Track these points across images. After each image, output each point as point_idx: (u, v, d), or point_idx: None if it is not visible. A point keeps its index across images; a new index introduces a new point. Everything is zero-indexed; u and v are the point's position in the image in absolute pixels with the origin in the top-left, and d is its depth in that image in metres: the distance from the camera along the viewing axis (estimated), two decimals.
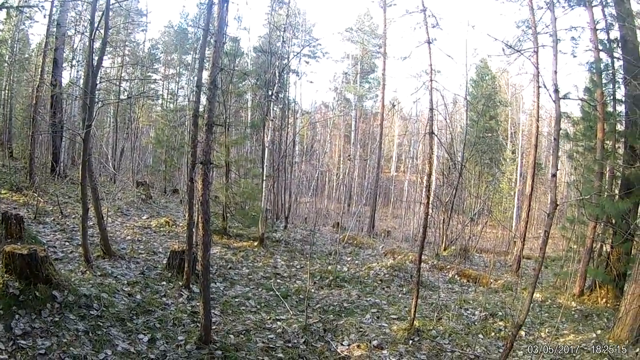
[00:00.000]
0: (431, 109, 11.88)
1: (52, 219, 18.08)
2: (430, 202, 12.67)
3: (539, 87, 21.36)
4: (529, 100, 52.49)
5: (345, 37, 62.94)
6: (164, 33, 58.26)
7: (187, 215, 13.48)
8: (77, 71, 40.42)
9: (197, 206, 12.49)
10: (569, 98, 18.30)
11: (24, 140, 29.61)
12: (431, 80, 11.81)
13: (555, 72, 10.11)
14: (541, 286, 17.25)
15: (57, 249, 14.28)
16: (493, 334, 12.19)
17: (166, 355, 8.79)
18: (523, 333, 12.12)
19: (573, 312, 15.11)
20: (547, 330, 12.85)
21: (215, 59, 9.44)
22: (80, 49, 39.06)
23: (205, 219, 9.22)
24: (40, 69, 26.31)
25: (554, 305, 15.67)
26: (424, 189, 14.11)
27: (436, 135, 12.76)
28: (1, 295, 8.41)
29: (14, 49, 35.50)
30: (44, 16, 27.00)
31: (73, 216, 18.79)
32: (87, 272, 12.33)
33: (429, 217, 13.84)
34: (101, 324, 9.14)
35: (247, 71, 34.27)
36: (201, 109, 13.56)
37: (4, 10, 23.44)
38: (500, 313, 13.54)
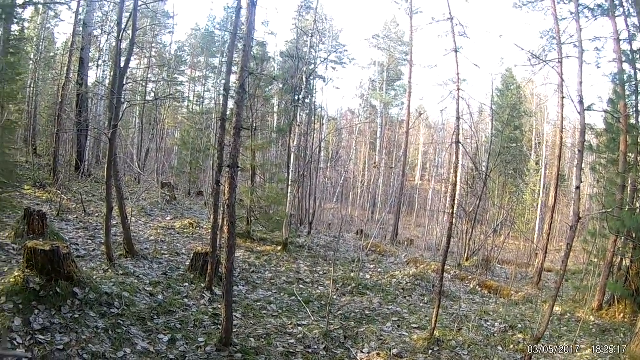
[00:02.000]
0: (458, 118, 11.79)
1: (75, 216, 18.13)
2: (454, 211, 12.56)
3: (563, 97, 21.23)
4: (553, 111, 52.19)
5: (372, 44, 62.84)
6: (191, 35, 58.50)
7: (211, 217, 13.49)
8: (103, 71, 40.67)
9: (222, 209, 12.49)
10: (594, 110, 18.09)
11: (48, 138, 29.80)
12: (458, 89, 11.70)
13: (581, 83, 10.02)
14: (561, 299, 17.17)
15: (80, 247, 14.31)
16: (512, 346, 12.06)
17: (185, 356, 8.76)
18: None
19: (591, 327, 14.98)
20: (565, 344, 12.71)
21: (244, 62, 9.40)
22: (106, 49, 39.32)
23: (231, 222, 9.19)
24: (66, 68, 26.44)
25: (573, 319, 15.52)
26: (449, 198, 14.02)
27: (462, 145, 12.66)
28: (21, 290, 8.41)
29: (40, 47, 35.71)
30: (72, 15, 27.23)
31: (96, 215, 18.84)
32: (109, 270, 12.34)
33: (453, 227, 13.72)
34: (121, 323, 9.13)
35: (275, 76, 34.31)
36: (228, 113, 13.53)
37: (31, 7, 23.53)
38: (520, 325, 13.45)
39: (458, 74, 11.82)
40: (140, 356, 8.33)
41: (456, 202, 15.03)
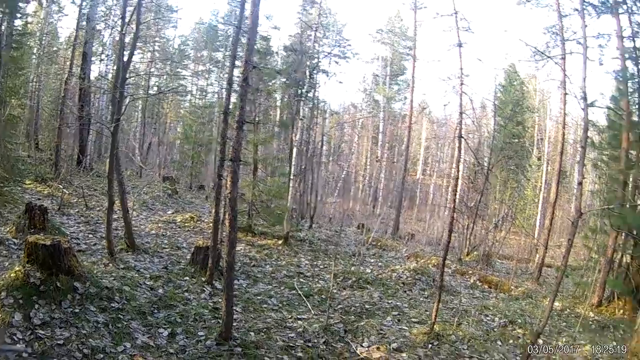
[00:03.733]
0: (461, 113, 11.81)
1: (77, 210, 18.18)
2: (456, 206, 12.59)
3: (565, 93, 21.24)
4: (556, 107, 52.13)
5: (376, 39, 62.69)
6: (194, 29, 58.50)
7: (213, 211, 13.51)
8: (106, 65, 40.69)
9: (224, 203, 12.53)
10: (596, 106, 18.17)
11: (50, 132, 29.80)
12: (462, 84, 11.72)
13: (584, 79, 10.05)
14: (561, 295, 17.16)
15: (81, 241, 14.37)
16: (512, 341, 12.09)
17: (185, 350, 8.79)
18: (541, 342, 12.00)
19: (590, 323, 14.95)
20: (564, 339, 12.73)
21: (248, 56, 9.43)
22: (109, 44, 39.34)
23: (233, 215, 9.23)
24: (69, 62, 26.49)
25: (572, 315, 15.50)
26: (450, 193, 14.06)
27: (465, 139, 12.68)
28: (22, 285, 8.45)
29: (43, 42, 35.73)
30: (75, 10, 27.30)
31: (97, 209, 18.89)
32: (110, 264, 12.41)
33: (454, 221, 13.75)
34: (122, 317, 9.19)
35: (279, 70, 34.32)
36: (231, 107, 13.57)
37: (34, 2, 23.60)
38: (519, 320, 13.47)
39: (462, 68, 11.84)
40: (140, 350, 8.36)
41: (458, 196, 15.05)
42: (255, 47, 16.84)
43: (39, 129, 33.57)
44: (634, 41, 17.91)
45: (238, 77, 11.59)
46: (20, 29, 20.94)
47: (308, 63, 26.19)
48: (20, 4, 18.48)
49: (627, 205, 16.09)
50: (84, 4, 26.97)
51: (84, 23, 27.19)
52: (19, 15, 18.96)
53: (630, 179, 17.14)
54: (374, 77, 65.75)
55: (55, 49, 40.57)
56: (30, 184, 20.56)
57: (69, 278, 9.08)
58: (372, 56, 68.25)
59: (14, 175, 18.35)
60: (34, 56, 33.10)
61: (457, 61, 11.83)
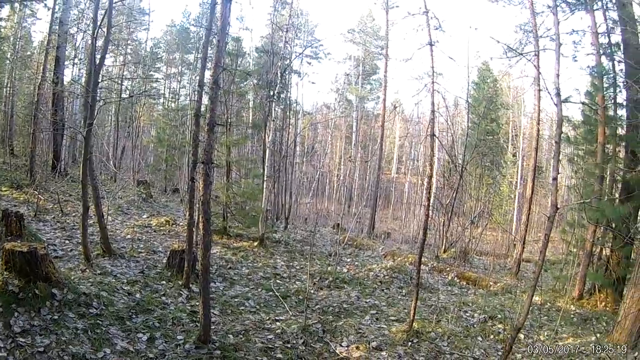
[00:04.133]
0: (433, 111, 11.89)
1: (53, 217, 18.11)
2: (430, 204, 12.68)
3: (539, 90, 21.41)
4: (530, 103, 52.54)
5: (348, 39, 62.95)
6: (166, 32, 58.50)
7: (187, 214, 13.52)
8: (79, 69, 40.51)
9: (197, 206, 12.52)
10: (571, 102, 18.32)
11: (25, 138, 29.68)
12: (433, 83, 11.80)
13: (558, 75, 10.13)
14: (541, 289, 17.29)
15: (57, 247, 14.30)
16: (492, 336, 12.18)
17: (165, 355, 8.80)
18: (522, 336, 12.08)
19: (572, 316, 15.08)
20: (546, 333, 12.83)
21: (217, 58, 9.46)
22: (82, 47, 39.17)
23: (206, 218, 9.24)
24: (42, 67, 26.37)
25: (553, 309, 15.61)
26: (425, 191, 14.10)
27: (437, 138, 12.77)
28: (1, 293, 8.41)
29: (17, 46, 35.55)
30: (48, 14, 27.18)
31: (73, 214, 18.82)
32: (87, 270, 12.36)
33: (429, 219, 13.82)
34: (100, 323, 9.17)
35: (250, 71, 34.26)
36: (203, 109, 13.56)
37: (7, 6, 23.47)
38: (499, 316, 13.51)
39: (433, 67, 11.93)
40: (120, 356, 8.36)
41: (432, 194, 15.11)
42: (227, 48, 16.89)
43: (13, 134, 33.36)
44: (609, 37, 18.11)
45: (209, 79, 11.63)
46: None
47: (280, 64, 26.19)
48: None
49: (605, 199, 16.24)
50: (57, 7, 26.85)
51: (57, 27, 27.08)
52: None
53: (607, 173, 17.33)
54: (346, 77, 66.03)
55: (29, 53, 40.46)
56: (6, 190, 20.45)
57: (47, 285, 9.06)
58: (344, 56, 68.74)
59: None
60: (8, 61, 32.92)
61: (429, 60, 11.93)
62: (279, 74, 25.73)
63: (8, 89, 33.26)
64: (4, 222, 13.12)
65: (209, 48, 14.30)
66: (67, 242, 15.16)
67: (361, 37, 63.41)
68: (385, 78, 38.35)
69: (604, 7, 18.18)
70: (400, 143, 71.21)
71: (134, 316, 10.09)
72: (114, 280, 12.04)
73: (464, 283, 18.83)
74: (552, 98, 10.21)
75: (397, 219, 50.52)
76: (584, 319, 14.84)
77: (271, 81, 25.42)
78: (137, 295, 11.39)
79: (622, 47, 17.05)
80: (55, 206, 19.22)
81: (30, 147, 23.87)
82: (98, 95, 15.02)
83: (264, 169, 22.43)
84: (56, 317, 8.67)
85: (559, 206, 9.51)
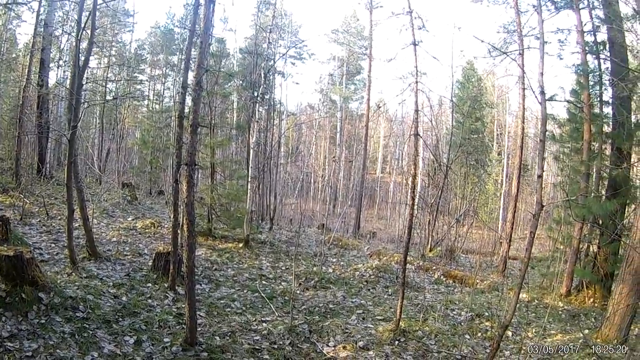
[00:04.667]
0: (416, 111, 11.94)
1: (38, 220, 18.07)
2: (415, 203, 12.72)
3: (524, 88, 21.52)
4: (515, 101, 52.79)
5: (332, 39, 62.99)
6: (151, 34, 58.27)
7: (172, 216, 13.49)
8: (64, 71, 40.39)
9: (182, 207, 12.53)
10: (556, 100, 18.38)
11: (10, 141, 29.52)
12: (417, 82, 11.84)
13: (542, 74, 10.20)
14: (528, 286, 17.34)
15: (43, 251, 14.29)
16: (480, 334, 12.23)
17: (152, 357, 8.81)
18: (510, 333, 12.14)
19: (560, 312, 15.12)
20: (534, 330, 12.89)
21: (200, 60, 9.50)
22: (67, 49, 39.09)
23: (190, 220, 9.27)
24: (27, 69, 26.24)
25: (541, 306, 15.64)
26: (409, 191, 14.19)
27: (421, 137, 12.87)
28: None
29: (1, 49, 35.41)
30: (33, 16, 27.12)
31: (59, 218, 18.77)
32: (73, 273, 12.34)
33: (415, 218, 13.89)
34: (87, 326, 9.18)
35: (233, 72, 34.26)
36: (186, 110, 13.57)
37: None
38: (486, 313, 13.53)
39: (416, 66, 11.95)
40: (107, 359, 8.40)
41: (417, 193, 15.20)
42: (210, 50, 16.91)
43: None
44: (595, 35, 18.20)
45: (192, 80, 11.66)
46: None
47: (264, 65, 26.21)
48: None
49: (592, 196, 16.34)
50: (42, 9, 26.78)
51: (42, 29, 27.00)
52: None
53: (594, 170, 17.45)
54: (330, 77, 66.10)
55: (14, 56, 40.23)
56: None
57: (34, 289, 9.08)
58: (328, 56, 68.81)
59: None
60: None
61: (412, 60, 11.98)
62: (262, 75, 25.74)
63: None
64: None
65: (193, 49, 14.32)
66: (53, 245, 15.15)
67: (345, 38, 63.49)
68: (369, 78, 38.52)
69: (590, 5, 18.26)
70: (385, 143, 71.44)
71: (120, 319, 10.10)
72: (100, 284, 12.04)
73: (451, 281, 18.90)
74: (536, 97, 10.26)
75: (383, 219, 50.72)
76: (572, 315, 14.88)
77: (255, 82, 25.47)
78: (124, 298, 11.40)
79: (607, 45, 17.15)
80: (41, 210, 19.18)
81: (16, 150, 23.77)
82: (82, 97, 15.03)
83: (248, 170, 22.45)
84: (43, 321, 8.69)
85: (544, 204, 9.56)
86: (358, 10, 65.66)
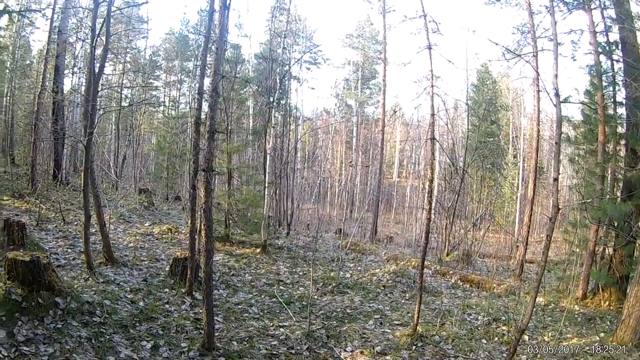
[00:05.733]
0: (432, 115, 11.86)
1: (54, 225, 18.07)
2: (432, 207, 12.65)
3: (539, 90, 21.43)
4: (530, 104, 52.46)
5: (346, 44, 63.01)
6: (165, 40, 58.41)
7: (189, 222, 13.46)
8: (79, 78, 40.57)
9: (199, 213, 12.49)
10: (570, 102, 18.26)
11: (25, 147, 29.63)
12: (432, 86, 11.77)
13: (556, 75, 10.10)
14: (544, 290, 17.25)
15: (60, 256, 14.27)
16: (496, 338, 12.15)
17: None
18: (526, 337, 12.05)
19: (576, 316, 15.01)
20: (550, 334, 12.79)
21: (216, 66, 9.45)
22: (81, 56, 39.22)
23: (207, 226, 9.22)
24: (41, 76, 26.31)
25: (557, 309, 15.55)
26: (426, 195, 14.10)
27: (437, 141, 12.78)
28: (3, 302, 8.41)
29: (16, 56, 35.54)
30: (46, 23, 27.13)
31: (75, 223, 18.77)
32: (90, 279, 12.32)
33: (431, 222, 13.79)
34: (104, 331, 9.14)
35: (249, 78, 34.31)
36: (203, 116, 13.52)
37: (6, 15, 23.42)
38: (503, 318, 13.48)
39: (432, 70, 11.88)
40: None
41: (433, 198, 15.12)
42: (225, 55, 16.85)
43: (14, 143, 33.37)
44: (607, 35, 18.05)
45: (208, 86, 11.61)
46: None
47: (279, 70, 26.20)
48: None
49: (607, 198, 16.20)
50: (55, 16, 26.82)
51: (56, 36, 27.06)
52: None
53: (608, 172, 17.30)
54: (345, 82, 66.22)
55: (28, 62, 40.43)
56: (7, 199, 20.41)
57: (50, 294, 9.05)
58: (343, 61, 68.91)
59: None
60: (7, 70, 32.90)
61: (427, 63, 11.90)
62: (278, 80, 25.74)
63: (8, 98, 33.26)
64: (6, 231, 13.08)
65: (208, 55, 14.28)
66: (69, 250, 15.13)
67: (359, 42, 63.49)
68: (384, 82, 38.47)
69: (602, 5, 18.11)
70: (401, 147, 71.36)
71: (137, 324, 10.07)
72: (117, 289, 12.01)
73: (467, 286, 18.79)
74: (551, 99, 10.17)
75: (399, 223, 50.52)
76: (588, 318, 14.78)
77: (270, 87, 25.41)
78: (141, 304, 11.36)
79: (620, 45, 17.02)
80: (57, 215, 19.18)
81: (31, 156, 23.83)
82: (98, 104, 15.03)
83: (265, 176, 22.43)
84: (60, 325, 8.65)
85: (560, 207, 9.48)
86: (371, 14, 65.49)
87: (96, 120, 14.10)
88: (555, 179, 9.85)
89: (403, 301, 15.60)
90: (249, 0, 29.17)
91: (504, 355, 10.79)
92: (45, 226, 17.69)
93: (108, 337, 9.02)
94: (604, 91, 17.49)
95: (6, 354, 7.49)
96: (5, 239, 13.01)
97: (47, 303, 8.87)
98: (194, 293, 12.66)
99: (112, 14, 14.46)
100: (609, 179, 17.38)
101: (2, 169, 27.32)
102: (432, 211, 13.49)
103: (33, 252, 9.62)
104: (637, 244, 15.54)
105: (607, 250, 17.33)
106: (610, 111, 17.63)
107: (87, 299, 9.94)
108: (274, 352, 10.01)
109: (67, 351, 8.03)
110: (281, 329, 11.46)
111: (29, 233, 14.33)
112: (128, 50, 47.06)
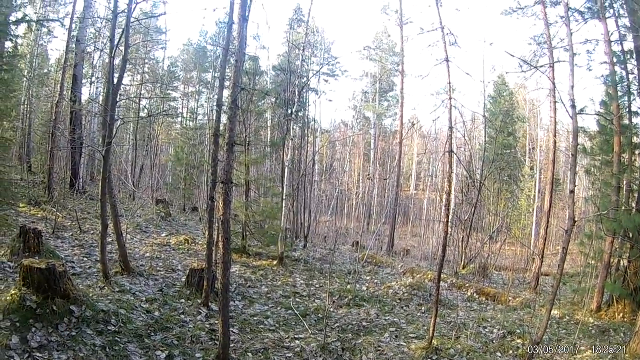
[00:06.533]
0: (450, 127, 11.80)
1: (71, 234, 18.09)
2: (449, 220, 12.58)
3: (555, 102, 21.39)
4: (546, 115, 52.33)
5: (364, 55, 62.97)
6: (183, 51, 58.66)
7: (206, 233, 13.44)
8: (97, 87, 40.77)
9: (217, 225, 12.48)
10: (586, 113, 18.19)
11: (42, 155, 29.77)
12: (450, 99, 11.73)
13: (572, 86, 10.07)
14: (559, 302, 17.11)
15: (75, 264, 14.27)
16: (511, 351, 12.05)
17: None
18: (541, 350, 11.98)
19: (590, 328, 14.91)
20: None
21: (236, 78, 9.43)
22: (99, 66, 39.41)
23: (225, 237, 9.19)
24: (59, 85, 26.37)
25: (572, 322, 15.46)
26: (443, 207, 14.01)
27: (455, 154, 12.69)
28: (18, 308, 8.41)
29: (33, 64, 35.71)
30: (64, 32, 27.28)
31: (91, 232, 18.79)
32: (105, 287, 12.30)
33: (448, 235, 13.73)
34: (118, 340, 9.13)
35: (267, 90, 34.36)
36: (221, 128, 13.52)
37: (24, 24, 23.50)
38: (518, 331, 13.40)
39: (449, 83, 11.85)
40: None
41: (450, 210, 15.03)
42: (244, 67, 16.85)
43: (31, 151, 33.49)
44: (622, 44, 17.97)
45: (227, 98, 11.61)
46: (10, 50, 20.84)
47: (297, 82, 26.18)
48: (11, 26, 18.45)
49: (622, 209, 16.09)
50: (74, 26, 26.94)
51: (74, 45, 27.17)
52: (9, 37, 18.89)
53: (624, 183, 17.18)
54: (363, 94, 66.31)
55: (45, 71, 40.67)
56: (24, 207, 20.47)
57: (65, 301, 9.04)
58: (360, 73, 68.96)
59: (8, 198, 18.25)
60: (25, 78, 33.04)
61: (445, 75, 11.86)
62: (296, 92, 25.71)
63: (25, 106, 33.42)
64: (22, 238, 13.11)
65: (227, 67, 14.27)
66: (85, 259, 15.13)
67: (377, 54, 63.49)
68: (402, 94, 38.33)
69: (616, 14, 18.06)
70: (419, 159, 71.43)
71: (152, 334, 10.05)
72: (132, 298, 11.99)
73: (483, 298, 18.69)
74: (567, 110, 10.14)
75: (416, 236, 50.49)
76: (602, 330, 14.68)
77: (289, 99, 25.42)
78: (156, 313, 11.33)
79: (634, 54, 16.95)
80: (74, 223, 19.21)
81: (48, 164, 23.90)
82: (116, 114, 15.03)
83: (282, 187, 22.40)
84: (74, 333, 8.64)
85: (576, 218, 9.42)
86: (389, 26, 65.60)
87: (115, 131, 14.09)
88: (572, 191, 9.80)
89: (419, 314, 15.53)
90: (267, 13, 29.13)
91: None
92: (61, 234, 17.71)
93: (122, 345, 9.00)
94: (620, 101, 17.41)
95: None
96: (21, 245, 13.04)
97: (61, 310, 8.87)
98: (209, 304, 12.61)
99: (130, 24, 14.47)
100: (624, 189, 17.29)
101: (19, 176, 27.40)
102: (449, 224, 13.41)
103: (49, 260, 9.63)
104: None
105: (622, 262, 17.23)
106: (626, 121, 17.54)
107: (102, 307, 9.92)
108: None
109: (81, 358, 8.03)
110: (296, 341, 11.42)
111: (45, 241, 14.33)
112: (146, 60, 47.31)
